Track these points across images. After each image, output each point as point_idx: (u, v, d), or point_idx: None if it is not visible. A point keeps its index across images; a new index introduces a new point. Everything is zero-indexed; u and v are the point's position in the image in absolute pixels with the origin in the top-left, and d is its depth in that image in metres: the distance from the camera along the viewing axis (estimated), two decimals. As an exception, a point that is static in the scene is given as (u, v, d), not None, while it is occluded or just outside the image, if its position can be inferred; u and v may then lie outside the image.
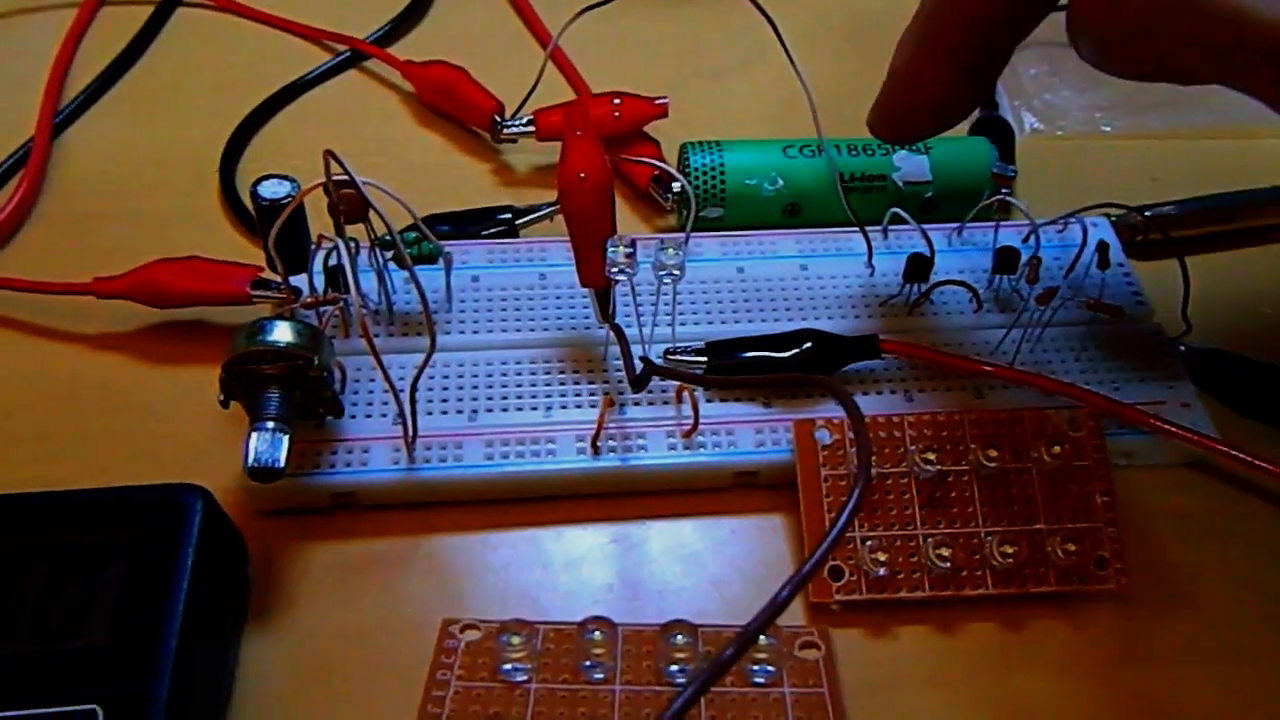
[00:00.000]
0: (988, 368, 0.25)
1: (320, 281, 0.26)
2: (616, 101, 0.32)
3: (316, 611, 0.23)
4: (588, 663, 0.20)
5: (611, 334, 0.25)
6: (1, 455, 0.26)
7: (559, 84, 0.36)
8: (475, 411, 0.25)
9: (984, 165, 0.30)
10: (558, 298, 0.28)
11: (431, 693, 0.20)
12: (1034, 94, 0.36)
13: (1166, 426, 0.24)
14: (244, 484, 0.24)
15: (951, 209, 0.30)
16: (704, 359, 0.26)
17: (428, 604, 0.23)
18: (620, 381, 0.26)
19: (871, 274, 0.28)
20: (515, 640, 0.19)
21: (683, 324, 0.27)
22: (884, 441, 0.24)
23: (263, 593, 0.23)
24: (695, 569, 0.24)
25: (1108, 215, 0.30)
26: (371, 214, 0.23)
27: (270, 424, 0.22)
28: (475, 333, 0.27)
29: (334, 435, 0.24)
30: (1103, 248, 0.27)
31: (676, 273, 0.24)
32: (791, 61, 0.25)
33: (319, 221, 0.25)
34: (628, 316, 0.25)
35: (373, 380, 0.25)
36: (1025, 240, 0.29)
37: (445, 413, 0.25)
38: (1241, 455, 0.24)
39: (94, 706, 0.18)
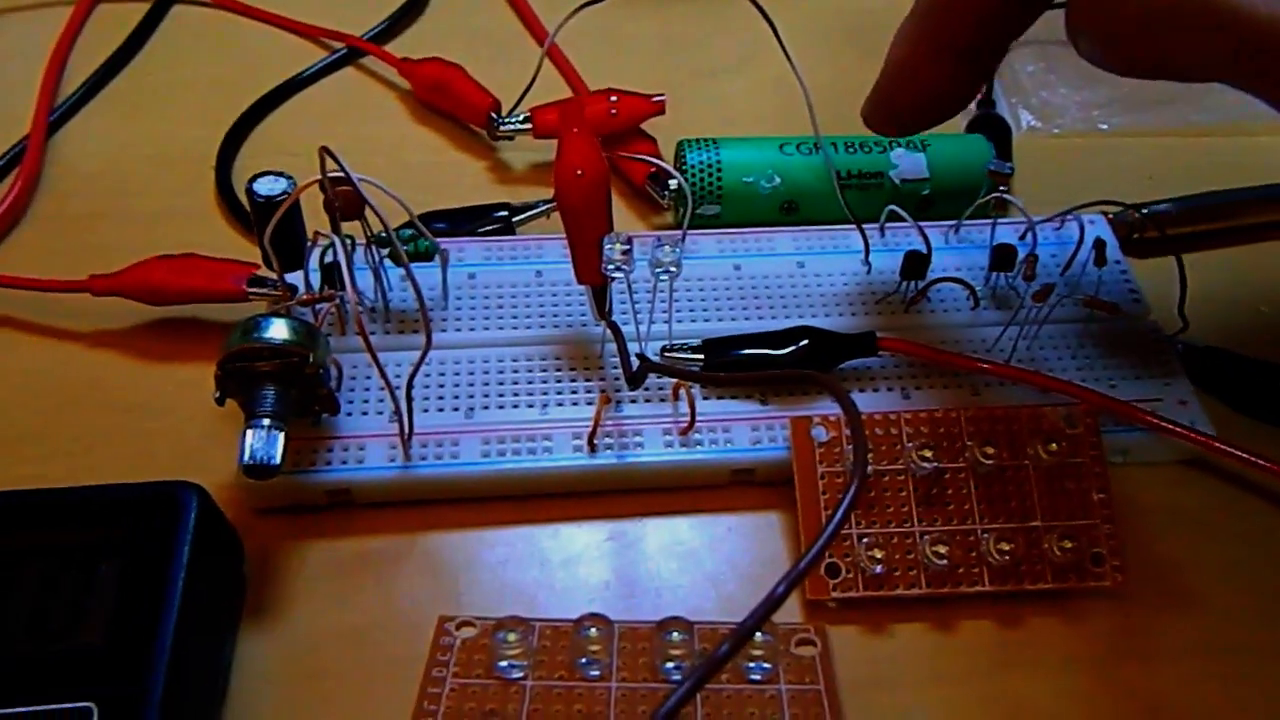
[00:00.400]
0: (985, 365, 0.25)
1: (316, 279, 0.26)
2: (613, 99, 0.32)
3: (312, 609, 0.23)
4: (584, 660, 0.20)
5: (608, 331, 0.25)
6: (-6, 453, 0.25)
7: (556, 81, 0.36)
8: (472, 409, 0.25)
9: (981, 163, 0.30)
10: (554, 295, 0.28)
11: (427, 690, 0.20)
12: (1031, 91, 0.36)
13: (1163, 424, 0.24)
14: (239, 481, 0.23)
15: (948, 206, 0.30)
16: (701, 356, 0.26)
17: (424, 602, 0.23)
18: (617, 379, 0.25)
19: (868, 271, 0.28)
20: (511, 637, 0.19)
21: (679, 321, 0.27)
22: (881, 439, 0.24)
23: (258, 590, 0.23)
24: (692, 566, 0.24)
25: (1105, 213, 0.30)
26: (367, 211, 0.23)
27: (266, 421, 0.22)
28: (472, 330, 0.27)
29: (330, 433, 0.24)
30: (1099, 245, 0.27)
31: (673, 270, 0.24)
32: (789, 59, 0.25)
33: (315, 219, 0.24)
34: (624, 314, 0.25)
35: (369, 377, 0.25)
36: (1022, 237, 0.29)
37: (442, 410, 0.25)
38: (1238, 452, 0.24)
39: (89, 705, 0.18)
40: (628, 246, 0.23)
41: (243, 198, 0.31)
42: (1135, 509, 0.25)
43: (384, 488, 0.24)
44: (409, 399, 0.23)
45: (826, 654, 0.21)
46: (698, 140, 0.30)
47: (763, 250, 0.29)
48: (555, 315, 0.27)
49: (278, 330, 0.22)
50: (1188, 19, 0.18)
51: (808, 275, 0.28)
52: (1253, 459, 0.24)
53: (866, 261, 0.28)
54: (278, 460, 0.22)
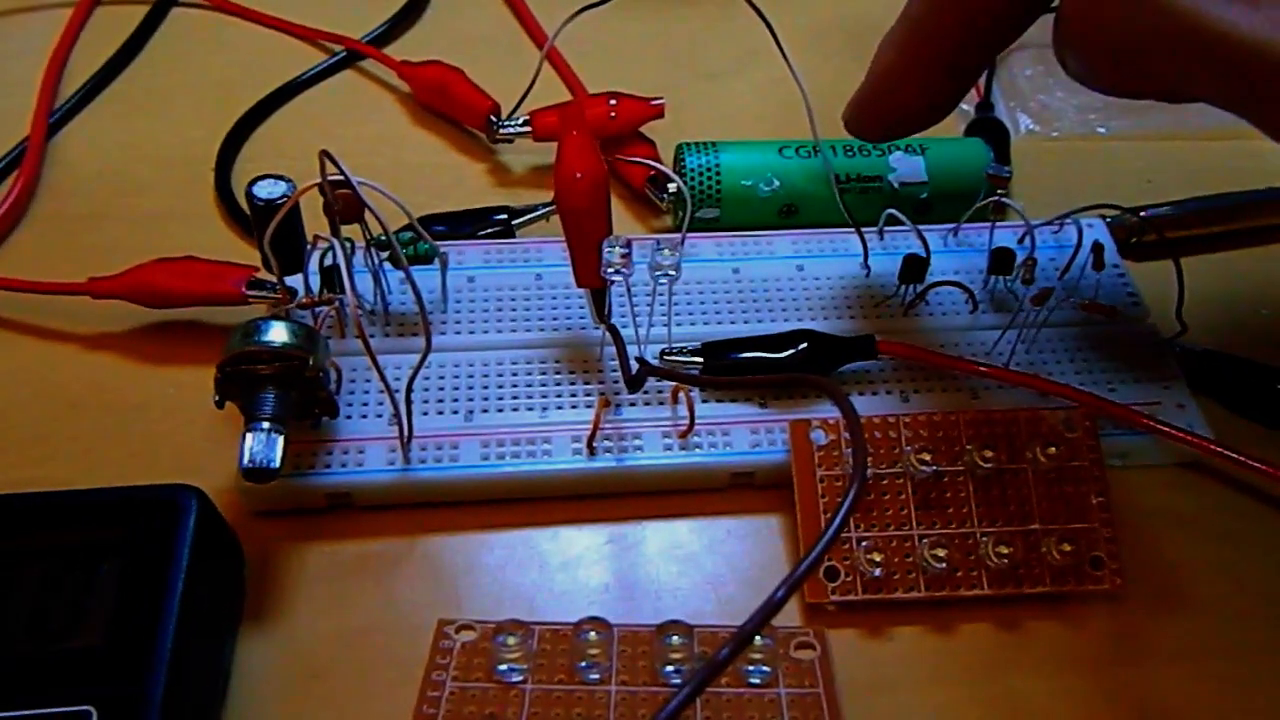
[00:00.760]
0: (983, 369, 0.25)
1: (316, 282, 0.26)
2: (613, 102, 0.32)
3: (312, 612, 0.23)
4: (583, 663, 0.20)
5: (607, 334, 0.25)
6: (-7, 456, 0.25)
7: (555, 85, 0.36)
8: (471, 412, 0.25)
9: (979, 166, 0.30)
10: (554, 298, 0.28)
11: (427, 693, 0.20)
12: (1029, 95, 0.36)
13: (1162, 427, 0.24)
14: (239, 484, 0.24)
15: (947, 210, 0.30)
16: (700, 359, 0.26)
17: (423, 605, 0.23)
18: (616, 382, 0.26)
19: (867, 275, 0.28)
20: (511, 641, 0.19)
21: (678, 324, 0.27)
22: (879, 442, 0.24)
23: (258, 593, 0.23)
24: (691, 569, 0.24)
25: (1103, 216, 0.30)
26: (367, 214, 0.23)
27: (265, 424, 0.22)
28: (471, 333, 0.27)
29: (329, 436, 0.24)
30: (1098, 249, 0.27)
31: (672, 273, 0.24)
32: (787, 62, 0.25)
33: (315, 222, 0.24)
34: (623, 317, 0.25)
35: (368, 381, 0.25)
36: (1020, 241, 0.29)
37: (441, 413, 0.25)
38: (1237, 456, 0.24)
39: (88, 707, 0.18)
40: (627, 250, 0.23)
41: (242, 201, 0.31)
42: (1134, 512, 0.25)
43: (383, 490, 0.24)
44: (408, 402, 0.23)
45: (826, 657, 0.21)
46: (697, 143, 0.30)
47: (762, 253, 0.29)
48: (555, 318, 0.27)
49: (277, 333, 0.22)
50: (1170, 40, 0.18)
51: (807, 278, 0.28)
52: (1251, 462, 0.24)
53: (865, 265, 0.28)
54: (278, 463, 0.22)
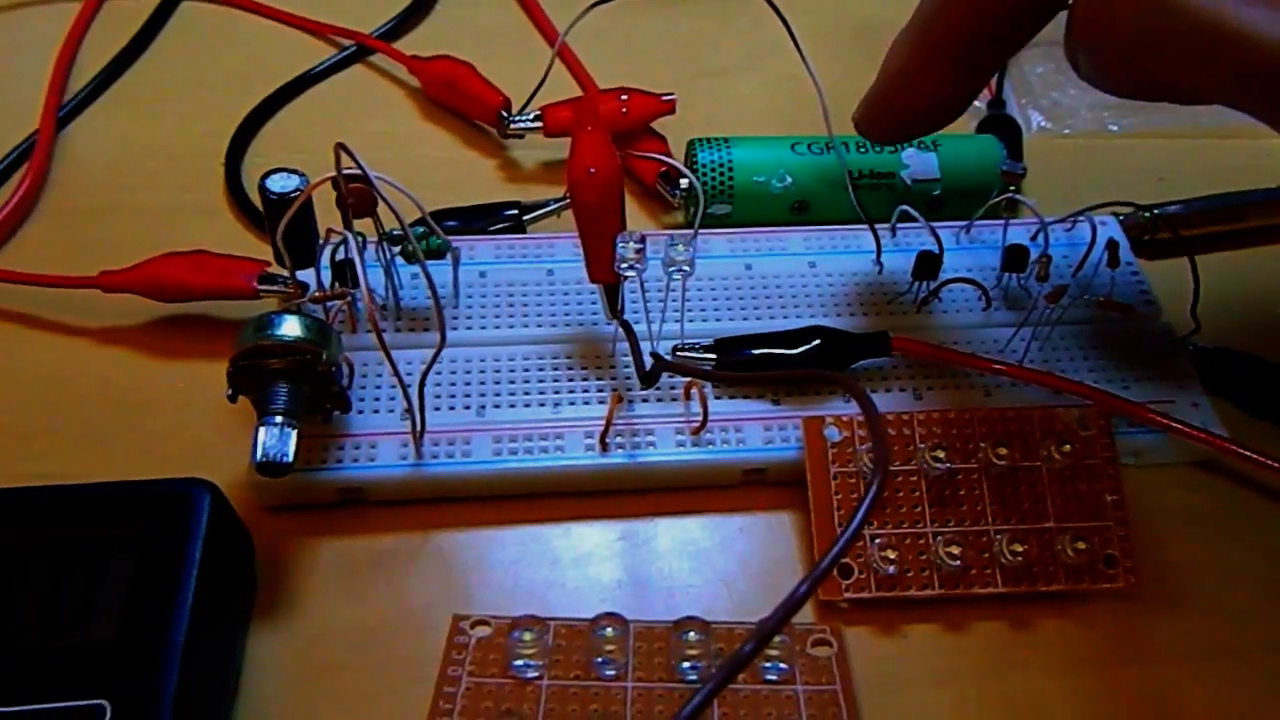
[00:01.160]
0: (998, 366, 0.25)
1: (327, 277, 0.26)
2: (624, 98, 0.32)
3: (323, 607, 0.23)
4: (599, 659, 0.20)
5: (620, 330, 0.25)
6: (7, 450, 0.25)
7: (565, 80, 0.36)
8: (484, 407, 0.25)
9: (992, 163, 0.30)
10: (565, 294, 0.27)
11: (443, 688, 0.20)
12: (1041, 93, 0.36)
13: (1176, 425, 0.24)
14: (250, 479, 0.23)
15: (959, 207, 0.30)
16: (713, 356, 0.26)
17: (435, 601, 0.23)
18: (629, 378, 0.25)
19: (880, 271, 0.28)
20: (527, 636, 0.19)
21: (691, 321, 0.27)
22: (893, 439, 0.24)
23: (269, 588, 0.23)
24: (703, 566, 0.24)
25: (1116, 214, 0.30)
26: (380, 208, 0.23)
27: (278, 418, 0.22)
28: (483, 328, 0.27)
29: (341, 430, 0.24)
30: (1113, 246, 0.27)
31: (686, 269, 0.24)
32: (803, 57, 0.25)
33: (326, 217, 0.24)
34: (636, 313, 0.25)
35: (380, 375, 0.25)
36: (1034, 238, 0.28)
37: (453, 408, 0.25)
38: (1251, 454, 0.24)
39: (102, 702, 0.18)
40: (641, 245, 0.23)
41: (252, 194, 0.31)
42: (1147, 510, 0.25)
43: (395, 486, 0.24)
44: (421, 397, 0.23)
45: (843, 654, 0.21)
46: (709, 139, 0.30)
47: (774, 250, 0.29)
48: (567, 314, 0.27)
49: (290, 327, 0.22)
50: (1184, 41, 0.18)
51: (819, 275, 0.28)
52: (1265, 461, 0.24)
53: (878, 261, 0.28)
54: (290, 458, 0.22)
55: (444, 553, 0.24)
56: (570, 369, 0.26)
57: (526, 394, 0.25)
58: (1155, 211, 0.30)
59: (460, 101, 0.34)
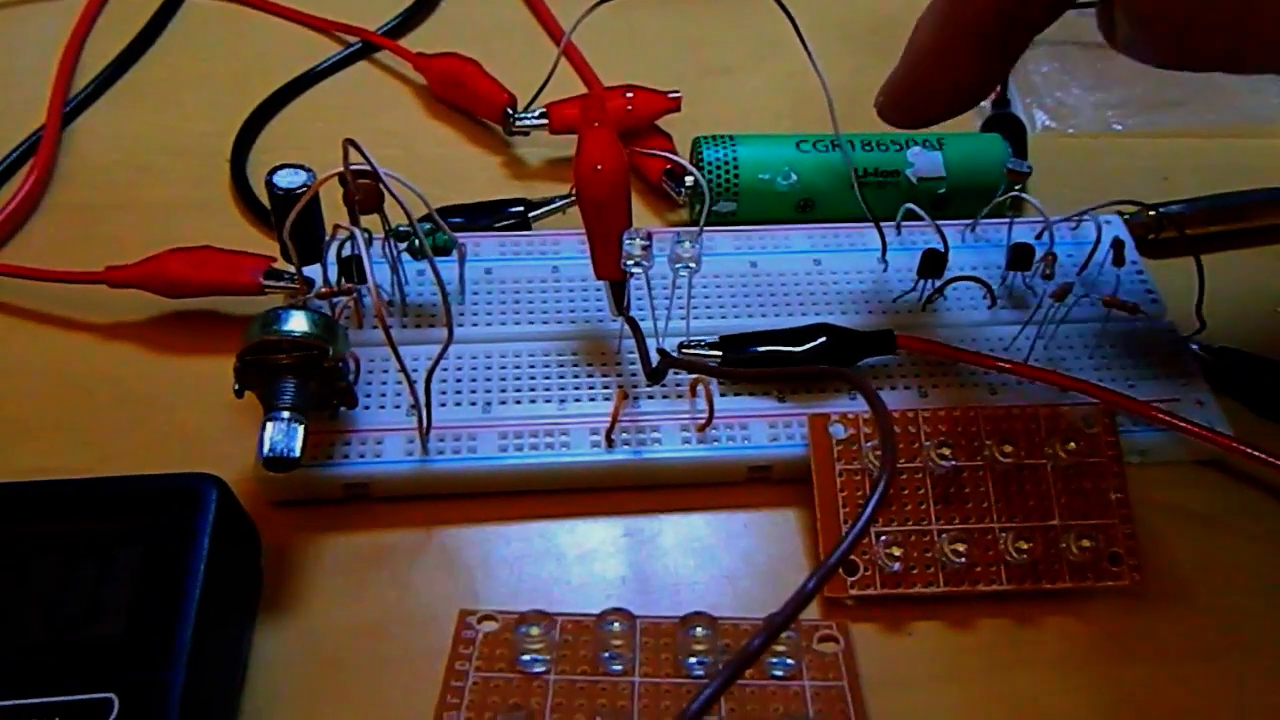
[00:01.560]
0: (1004, 364, 0.25)
1: (334, 273, 0.26)
2: (629, 95, 0.32)
3: (328, 603, 0.23)
4: (606, 654, 0.20)
5: (626, 327, 0.25)
6: (13, 445, 0.25)
7: (570, 78, 0.36)
8: (489, 403, 0.25)
9: (997, 162, 0.30)
10: (571, 290, 0.27)
11: (450, 683, 0.20)
12: (1045, 92, 0.36)
13: (1182, 424, 0.24)
14: (256, 474, 0.23)
15: (964, 205, 0.30)
16: (718, 353, 0.26)
17: (440, 596, 0.23)
18: (634, 375, 0.25)
19: (885, 270, 0.28)
20: (534, 631, 0.19)
21: (695, 318, 0.27)
22: (899, 437, 0.24)
23: (274, 583, 0.23)
24: (708, 563, 0.24)
25: (1121, 213, 0.30)
26: (386, 204, 0.23)
27: (285, 414, 0.22)
28: (489, 325, 0.27)
29: (348, 426, 0.24)
30: (1118, 245, 0.27)
31: (692, 265, 0.24)
32: (809, 54, 0.25)
33: (332, 213, 0.24)
34: (641, 310, 0.25)
35: (385, 372, 0.25)
36: (1038, 237, 0.29)
37: (459, 404, 0.25)
38: (1256, 453, 0.24)
39: (110, 695, 0.18)
40: (648, 242, 0.23)
41: (258, 191, 0.31)
42: (1151, 509, 0.25)
43: (401, 481, 0.24)
44: (428, 392, 0.23)
45: (849, 650, 0.21)
46: (714, 137, 0.30)
47: (779, 248, 0.29)
48: (572, 311, 0.27)
49: (297, 322, 0.22)
50: (1243, 8, 0.17)
51: (824, 273, 0.28)
52: (1270, 459, 0.24)
53: (883, 260, 0.28)
54: (298, 452, 0.22)
55: (449, 548, 0.24)
56: (576, 366, 0.26)
57: (532, 390, 0.25)
58: (1160, 210, 0.30)
59: (466, 99, 0.34)
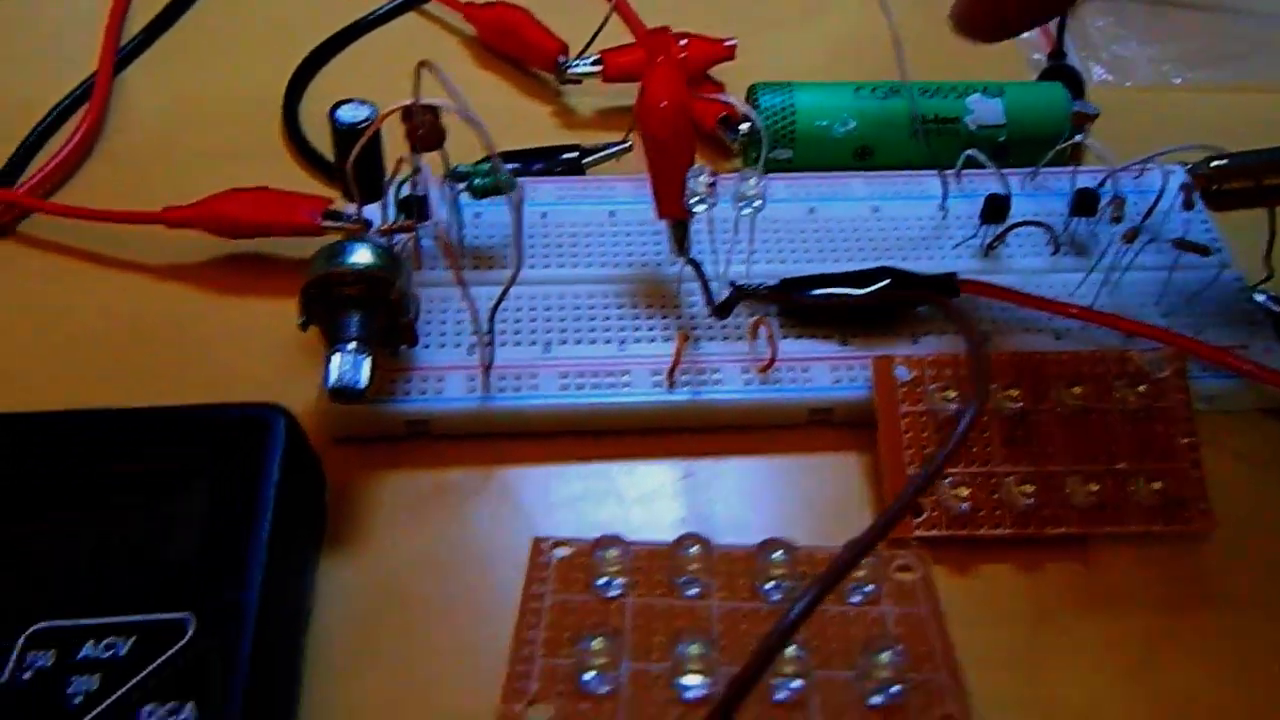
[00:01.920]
0: (1071, 309, 0.25)
1: (393, 213, 0.26)
2: (683, 42, 0.32)
3: (392, 538, 0.23)
4: (682, 579, 0.20)
5: (686, 269, 0.25)
6: (73, 385, 0.25)
7: (618, 29, 0.35)
8: (549, 344, 0.25)
9: (1058, 110, 0.30)
10: (628, 235, 0.27)
11: (529, 605, 0.20)
12: (1101, 46, 0.36)
13: (1258, 369, 0.24)
14: (316, 410, 0.24)
15: (1023, 154, 0.29)
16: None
17: (502, 532, 0.23)
18: (694, 317, 0.25)
19: (944, 217, 0.28)
20: (611, 554, 0.19)
21: (754, 263, 0.27)
22: (965, 379, 0.24)
23: (337, 519, 0.23)
24: (767, 506, 0.24)
25: (1183, 162, 0.29)
26: (448, 143, 0.23)
27: (351, 345, 0.22)
28: (546, 267, 0.27)
29: (409, 364, 0.24)
30: (1188, 189, 0.26)
31: (757, 203, 0.23)
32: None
33: (392, 156, 0.24)
34: (700, 254, 0.25)
35: (445, 312, 0.25)
36: (1101, 185, 0.28)
37: (519, 344, 0.25)
38: (1328, 399, 0.24)
39: (187, 614, 0.18)
40: (713, 179, 0.23)
41: (311, 138, 0.31)
42: (1218, 455, 0.24)
43: (463, 419, 0.24)
44: (490, 330, 0.23)
45: (928, 578, 0.21)
46: (771, 83, 0.30)
47: (837, 195, 0.28)
48: (630, 255, 0.27)
49: (362, 255, 0.22)
50: None
51: (883, 220, 0.28)
52: (1343, 406, 0.23)
53: (943, 207, 0.28)
54: (364, 383, 0.21)
55: (509, 488, 0.24)
56: (635, 307, 0.26)
57: (592, 331, 0.25)
58: (1234, 158, 0.30)
59: (516, 47, 0.34)
